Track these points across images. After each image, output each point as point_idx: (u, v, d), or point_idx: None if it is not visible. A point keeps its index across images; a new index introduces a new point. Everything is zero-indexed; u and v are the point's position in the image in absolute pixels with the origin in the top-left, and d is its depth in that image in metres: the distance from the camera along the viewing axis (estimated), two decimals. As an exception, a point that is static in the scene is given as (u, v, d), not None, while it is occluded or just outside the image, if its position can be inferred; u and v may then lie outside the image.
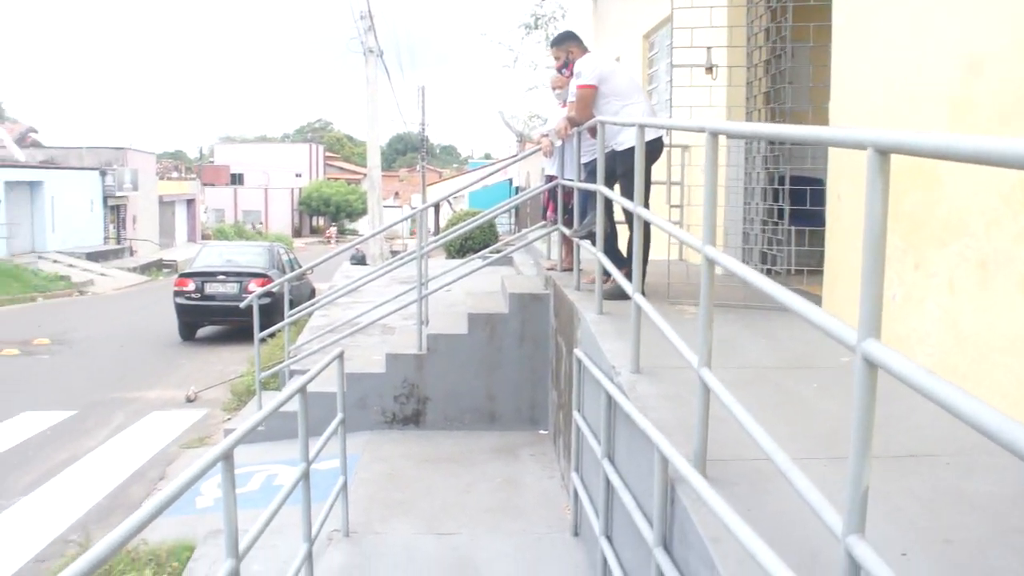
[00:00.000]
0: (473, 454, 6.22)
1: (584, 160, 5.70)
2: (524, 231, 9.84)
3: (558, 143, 6.24)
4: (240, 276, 13.57)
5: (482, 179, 24.10)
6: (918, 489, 2.49)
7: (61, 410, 8.99)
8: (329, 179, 60.14)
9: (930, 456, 2.75)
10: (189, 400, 9.50)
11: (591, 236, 5.06)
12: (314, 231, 56.83)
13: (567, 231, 6.18)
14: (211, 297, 13.44)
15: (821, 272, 4.77)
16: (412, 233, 35.79)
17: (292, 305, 8.11)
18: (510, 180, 29.80)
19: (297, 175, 58.49)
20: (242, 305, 7.95)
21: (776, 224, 5.51)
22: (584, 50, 5.67)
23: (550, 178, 6.82)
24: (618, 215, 5.57)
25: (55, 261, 25.37)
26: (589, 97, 5.24)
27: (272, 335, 8.67)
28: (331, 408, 4.81)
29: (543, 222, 7.60)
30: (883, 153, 1.43)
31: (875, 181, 1.44)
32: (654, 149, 5.08)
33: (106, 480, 6.86)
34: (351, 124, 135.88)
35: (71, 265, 25.35)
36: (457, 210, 24.96)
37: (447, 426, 6.78)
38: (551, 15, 22.11)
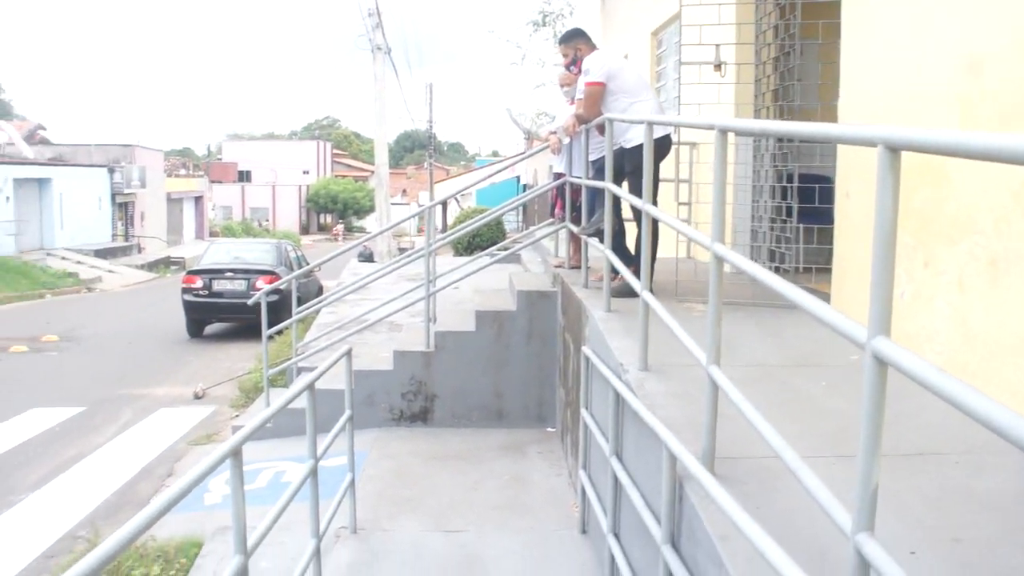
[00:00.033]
0: (481, 451, 6.22)
1: (592, 157, 5.69)
2: (532, 228, 9.82)
3: (566, 140, 6.24)
4: (248, 273, 13.61)
5: (489, 176, 24.16)
6: (927, 487, 2.48)
7: (69, 407, 9.04)
8: (337, 176, 60.24)
9: (939, 454, 2.74)
10: (197, 397, 9.54)
11: (599, 233, 5.05)
12: (322, 228, 56.89)
13: (575, 228, 6.17)
14: (219, 294, 13.48)
15: (829, 270, 4.76)
16: (420, 230, 35.85)
17: (300, 302, 8.11)
18: (517, 177, 29.80)
19: (305, 172, 58.54)
20: (250, 302, 7.96)
21: (784, 222, 5.50)
22: (592, 47, 5.66)
23: (558, 175, 6.81)
24: (626, 212, 5.56)
25: (63, 258, 25.49)
26: (597, 94, 5.24)
27: (280, 332, 8.68)
28: (339, 405, 4.82)
29: (551, 219, 7.59)
30: (894, 150, 1.43)
31: (885, 178, 1.44)
32: (662, 146, 5.07)
33: (114, 476, 6.89)
34: (359, 121, 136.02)
35: (79, 262, 25.47)
36: (465, 207, 24.98)
37: (455, 423, 6.78)
38: (559, 12, 22.14)
